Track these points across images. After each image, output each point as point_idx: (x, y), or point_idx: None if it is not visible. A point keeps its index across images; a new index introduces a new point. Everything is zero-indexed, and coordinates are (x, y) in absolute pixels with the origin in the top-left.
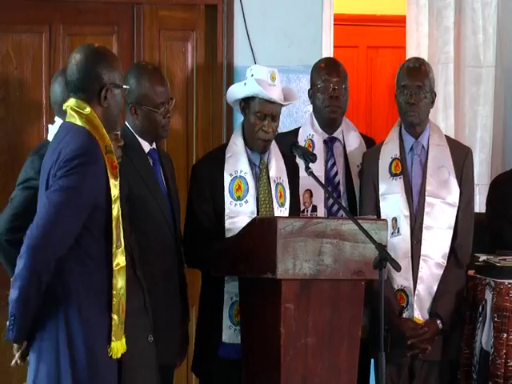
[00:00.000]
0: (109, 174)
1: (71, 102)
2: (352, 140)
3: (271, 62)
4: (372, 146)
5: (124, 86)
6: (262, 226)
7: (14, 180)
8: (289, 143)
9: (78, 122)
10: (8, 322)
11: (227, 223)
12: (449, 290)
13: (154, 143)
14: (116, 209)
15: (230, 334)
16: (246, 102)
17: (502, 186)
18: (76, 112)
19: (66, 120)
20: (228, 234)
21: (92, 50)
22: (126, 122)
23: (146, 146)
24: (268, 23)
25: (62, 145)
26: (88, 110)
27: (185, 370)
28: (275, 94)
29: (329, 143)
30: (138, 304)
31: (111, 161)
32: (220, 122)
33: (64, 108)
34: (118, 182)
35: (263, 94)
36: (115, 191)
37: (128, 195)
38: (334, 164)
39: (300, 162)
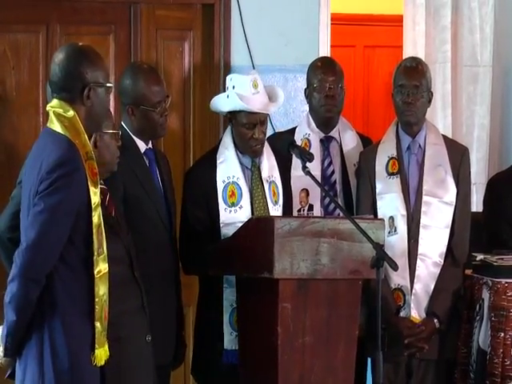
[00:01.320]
0: (89, 182)
1: (54, 103)
2: (348, 139)
3: (268, 61)
4: (368, 145)
5: (108, 85)
6: (259, 226)
7: (10, 179)
8: (286, 142)
9: (59, 129)
10: (5, 341)
11: (223, 230)
12: (446, 289)
13: (150, 143)
14: (96, 216)
15: (231, 340)
16: (232, 114)
17: (498, 186)
18: (57, 116)
19: (47, 125)
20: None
21: (74, 49)
22: (123, 123)
23: (142, 146)
24: (265, 22)
25: (43, 155)
26: (71, 113)
27: (182, 371)
28: (259, 104)
29: (325, 142)
30: (135, 304)
31: (92, 167)
32: (217, 121)
33: (47, 109)
34: (98, 190)
35: (247, 108)
36: (95, 198)
37: (123, 195)
38: (330, 163)
39: (297, 161)
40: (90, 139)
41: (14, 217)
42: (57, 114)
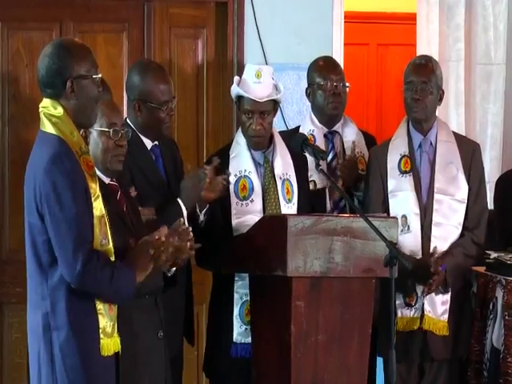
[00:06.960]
0: (86, 175)
1: (44, 103)
2: (349, 133)
3: (281, 59)
4: (371, 141)
5: (94, 76)
6: (273, 224)
7: (23, 177)
8: (299, 141)
9: (50, 129)
10: None
11: (234, 223)
12: (461, 246)
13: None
14: (98, 208)
15: (240, 333)
16: (239, 101)
17: (507, 184)
18: (48, 117)
19: (40, 128)
20: (235, 234)
21: (56, 44)
22: (128, 120)
23: (149, 143)
24: (278, 21)
25: (35, 159)
26: (60, 110)
27: (195, 370)
28: (257, 92)
29: (329, 136)
30: (148, 300)
31: (86, 161)
32: (230, 119)
33: (39, 111)
34: (95, 182)
35: (241, 93)
36: (94, 191)
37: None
38: (335, 156)
39: (309, 159)
40: (83, 134)
41: None
42: (47, 115)
